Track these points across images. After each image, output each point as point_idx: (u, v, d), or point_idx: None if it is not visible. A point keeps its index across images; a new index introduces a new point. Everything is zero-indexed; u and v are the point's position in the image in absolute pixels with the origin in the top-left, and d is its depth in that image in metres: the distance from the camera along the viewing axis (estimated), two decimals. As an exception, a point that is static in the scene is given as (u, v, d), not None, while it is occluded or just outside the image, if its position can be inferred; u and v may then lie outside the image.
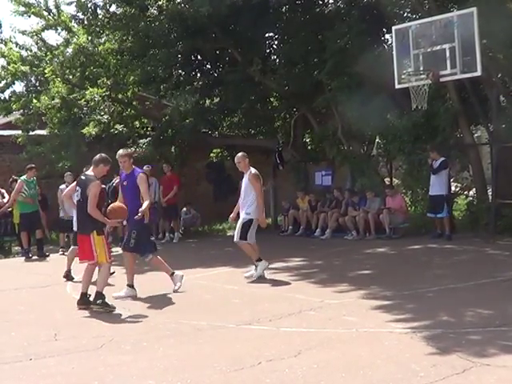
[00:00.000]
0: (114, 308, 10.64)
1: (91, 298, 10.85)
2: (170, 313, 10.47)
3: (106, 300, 10.69)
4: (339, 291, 11.64)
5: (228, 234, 23.39)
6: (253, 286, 12.64)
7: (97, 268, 11.13)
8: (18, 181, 18.98)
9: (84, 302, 10.97)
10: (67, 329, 9.51)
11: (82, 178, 11.41)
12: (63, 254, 18.86)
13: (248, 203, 13.44)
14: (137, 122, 24.49)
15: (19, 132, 23.84)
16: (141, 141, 22.65)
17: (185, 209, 23.20)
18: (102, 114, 22.91)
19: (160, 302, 11.51)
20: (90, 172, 11.36)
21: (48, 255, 18.80)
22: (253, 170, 13.79)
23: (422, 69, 16.30)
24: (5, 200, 20.55)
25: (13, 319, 10.44)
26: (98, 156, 11.48)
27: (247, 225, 13.37)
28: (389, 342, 8.07)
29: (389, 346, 7.90)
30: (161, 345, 8.40)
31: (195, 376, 7.03)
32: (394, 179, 22.48)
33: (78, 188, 11.30)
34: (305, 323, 9.21)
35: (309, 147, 25.88)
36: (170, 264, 12.58)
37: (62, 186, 19.19)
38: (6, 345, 8.69)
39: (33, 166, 19.35)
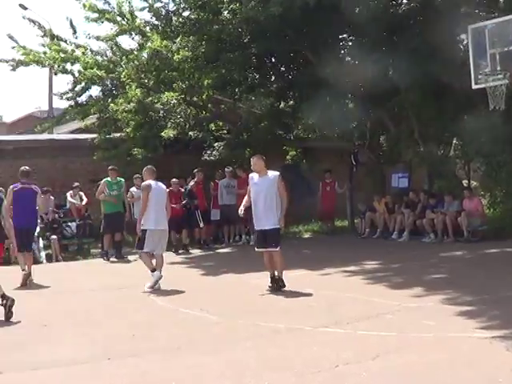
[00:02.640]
0: None
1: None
2: (248, 314, 10.48)
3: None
4: (416, 295, 11.51)
5: (304, 237, 23.41)
6: (329, 289, 12.54)
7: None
8: (102, 182, 19.36)
9: None
10: (146, 329, 9.62)
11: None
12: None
13: (275, 208, 12.76)
14: (212, 125, 24.63)
15: (93, 135, 24.30)
16: (216, 144, 22.76)
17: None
18: (179, 117, 23.13)
19: (238, 303, 11.58)
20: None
21: (126, 257, 19.06)
22: (277, 172, 13.48)
23: (498, 69, 15.99)
24: (83, 202, 21.01)
25: (92, 319, 10.62)
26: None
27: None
28: (468, 348, 7.94)
29: (467, 352, 7.76)
30: (238, 346, 8.44)
31: (272, 378, 7.02)
32: (471, 181, 22.15)
33: None
34: (382, 327, 9.11)
35: (384, 149, 25.65)
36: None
37: (133, 189, 19.54)
38: (85, 344, 8.82)
39: (115, 167, 19.69)
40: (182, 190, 20.74)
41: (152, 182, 14.05)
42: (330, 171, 23.74)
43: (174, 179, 20.55)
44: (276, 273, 12.51)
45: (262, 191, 12.82)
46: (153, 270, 13.64)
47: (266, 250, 12.61)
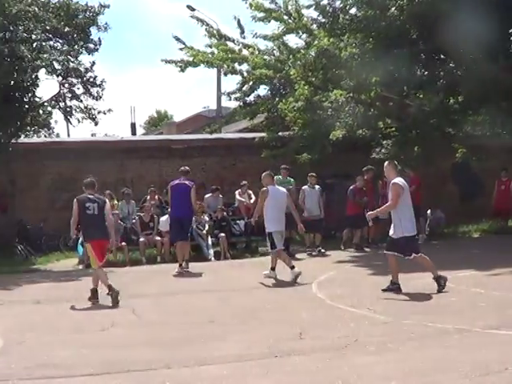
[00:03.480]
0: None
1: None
2: (415, 315, 10.34)
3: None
4: None
5: (474, 236, 22.88)
6: (499, 289, 12.19)
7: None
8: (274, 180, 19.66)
9: None
10: (312, 328, 9.68)
11: None
12: (310, 254, 19.28)
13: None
14: (380, 123, 24.40)
15: (261, 134, 24.63)
16: (384, 142, 22.53)
17: (429, 210, 22.90)
18: (347, 115, 23.05)
19: (405, 303, 11.49)
20: None
21: (294, 255, 19.11)
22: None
23: None
24: (251, 201, 21.32)
25: (260, 317, 10.81)
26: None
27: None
28: None
29: None
30: (405, 347, 8.37)
31: (439, 379, 6.94)
32: None
33: None
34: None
35: None
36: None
37: (304, 187, 19.72)
38: (253, 342, 8.98)
39: (287, 166, 19.91)
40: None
41: (270, 187, 15.22)
42: (507, 169, 23.08)
43: (359, 176, 20.93)
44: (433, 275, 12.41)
45: None
46: (292, 267, 14.48)
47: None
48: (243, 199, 21.87)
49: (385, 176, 13.63)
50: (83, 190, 13.51)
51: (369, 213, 13.80)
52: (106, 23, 21.72)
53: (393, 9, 20.88)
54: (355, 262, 17.95)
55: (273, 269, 14.87)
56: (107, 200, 14.58)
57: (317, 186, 20.60)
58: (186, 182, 16.89)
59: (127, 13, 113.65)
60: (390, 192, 12.77)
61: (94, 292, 13.02)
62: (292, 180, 19.78)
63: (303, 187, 20.18)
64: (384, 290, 12.52)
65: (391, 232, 12.66)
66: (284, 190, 15.83)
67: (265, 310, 11.49)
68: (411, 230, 12.57)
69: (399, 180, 12.82)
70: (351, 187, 21.00)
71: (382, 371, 7.35)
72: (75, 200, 13.54)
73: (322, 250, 19.79)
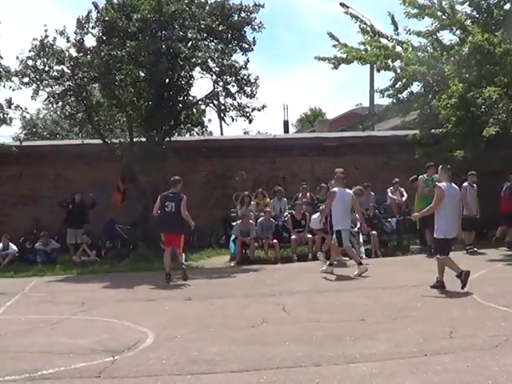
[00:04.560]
0: None
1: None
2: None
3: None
4: None
5: None
6: None
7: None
8: (418, 179, 19.50)
9: None
10: (463, 327, 9.63)
11: None
12: (466, 252, 18.99)
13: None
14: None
15: (413, 132, 24.44)
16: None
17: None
18: (500, 112, 22.53)
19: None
20: None
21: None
22: None
23: None
24: (403, 198, 21.21)
25: (410, 315, 10.82)
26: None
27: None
28: None
29: None
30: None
31: None
32: None
33: None
34: None
35: None
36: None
37: (465, 184, 19.42)
38: (403, 340, 9.02)
39: (432, 164, 19.69)
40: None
41: (337, 189, 16.38)
42: None
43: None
44: None
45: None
46: (360, 264, 15.71)
47: None
48: (395, 197, 21.78)
49: None
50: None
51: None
52: (261, 22, 21.97)
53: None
54: (507, 260, 17.53)
55: (360, 264, 16.04)
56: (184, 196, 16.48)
57: (474, 185, 20.26)
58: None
59: (280, 11, 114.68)
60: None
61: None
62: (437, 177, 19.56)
63: (464, 184, 19.83)
64: None
65: None
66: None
67: (415, 308, 11.48)
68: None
69: (444, 184, 13.60)
70: (508, 184, 20.54)
71: (533, 371, 7.24)
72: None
73: (475, 249, 19.44)
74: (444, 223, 13.34)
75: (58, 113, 29.23)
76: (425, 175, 19.27)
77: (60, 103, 23.05)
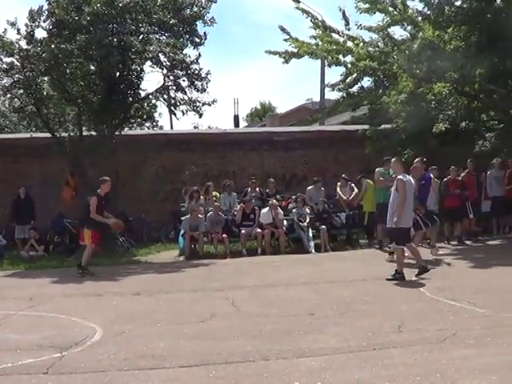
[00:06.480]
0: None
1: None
2: (513, 308, 10.23)
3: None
4: None
5: None
6: None
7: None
8: (375, 171, 19.63)
9: None
10: (411, 321, 9.67)
11: None
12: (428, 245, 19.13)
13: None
14: (484, 116, 23.98)
15: (363, 127, 24.59)
16: (487, 134, 22.17)
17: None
18: (450, 108, 22.76)
19: (506, 296, 11.38)
20: None
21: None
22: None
23: None
24: (353, 193, 21.34)
25: (359, 309, 10.83)
26: None
27: None
28: None
29: None
30: (505, 340, 8.29)
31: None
32: None
33: None
34: None
35: None
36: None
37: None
38: (352, 334, 9.01)
39: (389, 158, 19.81)
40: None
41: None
42: None
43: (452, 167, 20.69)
44: None
45: None
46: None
47: None
48: (344, 192, 21.85)
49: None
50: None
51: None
52: (213, 17, 21.89)
53: (498, 1, 20.54)
54: (455, 255, 17.71)
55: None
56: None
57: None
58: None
59: (232, 5, 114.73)
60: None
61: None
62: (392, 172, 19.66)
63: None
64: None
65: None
66: None
67: (364, 302, 11.49)
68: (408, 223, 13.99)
69: (404, 176, 14.01)
70: (444, 179, 20.74)
71: (480, 365, 7.31)
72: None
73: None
74: (404, 213, 13.67)
75: (7, 106, 28.85)
76: (381, 168, 19.38)
77: (8, 96, 22.79)
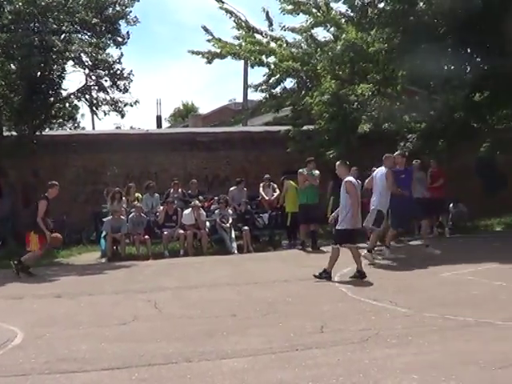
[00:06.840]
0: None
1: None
2: (436, 308, 10.33)
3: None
4: None
5: (496, 229, 22.82)
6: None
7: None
8: (298, 172, 19.65)
9: None
10: (334, 321, 9.67)
11: None
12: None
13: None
14: (406, 117, 24.29)
15: (286, 128, 24.68)
16: (409, 135, 22.45)
17: (451, 204, 22.91)
18: (373, 109, 22.98)
19: (427, 296, 11.50)
20: None
21: (319, 248, 19.24)
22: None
23: None
24: (275, 194, 21.34)
25: (282, 310, 10.78)
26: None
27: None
28: None
29: None
30: (426, 340, 8.33)
31: (460, 372, 6.91)
32: None
33: None
34: None
35: None
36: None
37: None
38: (274, 335, 8.94)
39: (312, 158, 19.90)
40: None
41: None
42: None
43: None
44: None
45: None
46: None
47: None
48: (266, 193, 21.86)
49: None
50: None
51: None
52: (136, 17, 21.78)
53: (421, 3, 20.82)
54: (378, 255, 17.87)
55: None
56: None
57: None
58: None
59: (155, 4, 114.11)
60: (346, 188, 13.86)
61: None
62: (317, 172, 19.73)
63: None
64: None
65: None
66: None
67: (286, 303, 11.47)
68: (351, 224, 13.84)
69: (351, 178, 14.02)
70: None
71: (402, 364, 7.34)
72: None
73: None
74: (350, 215, 13.63)
75: None
76: (305, 169, 19.44)
77: None
